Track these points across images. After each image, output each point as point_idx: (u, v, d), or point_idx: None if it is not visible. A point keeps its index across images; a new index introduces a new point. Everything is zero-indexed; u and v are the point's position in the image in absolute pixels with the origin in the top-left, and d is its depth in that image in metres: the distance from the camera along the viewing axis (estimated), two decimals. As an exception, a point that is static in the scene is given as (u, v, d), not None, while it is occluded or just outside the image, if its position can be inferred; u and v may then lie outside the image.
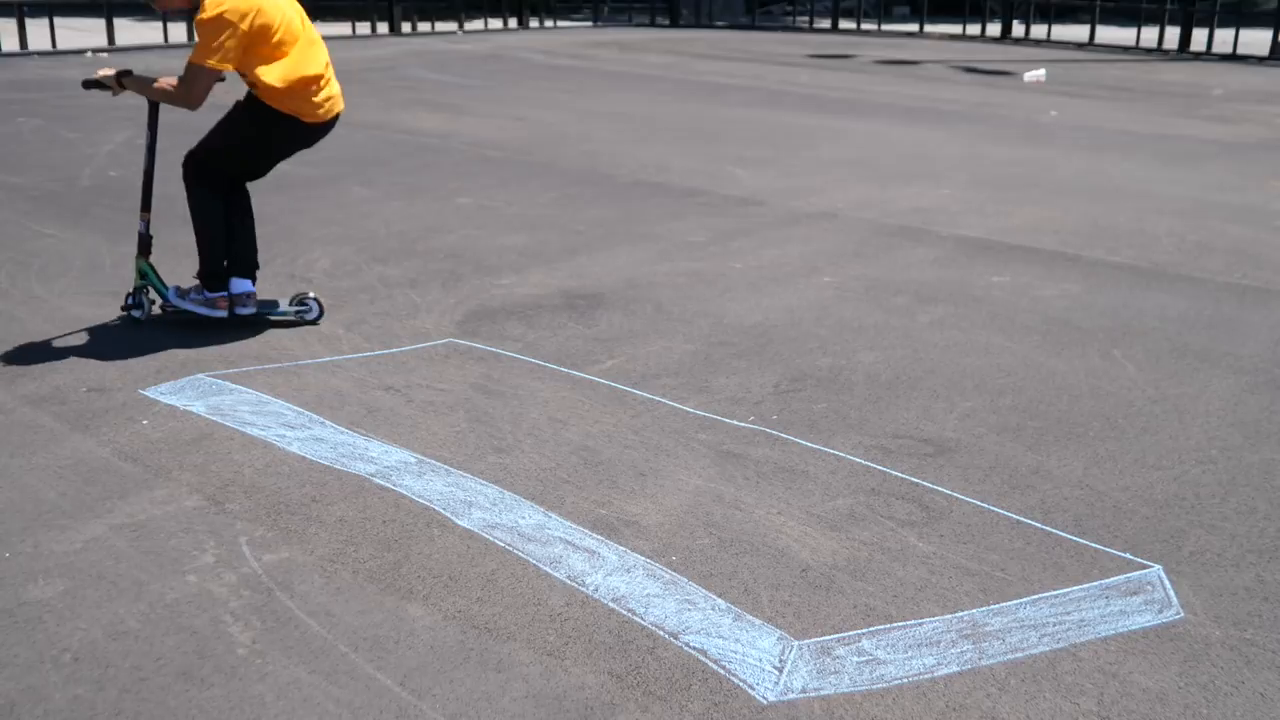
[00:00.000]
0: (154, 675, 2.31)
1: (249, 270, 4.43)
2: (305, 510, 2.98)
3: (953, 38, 19.42)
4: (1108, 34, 18.33)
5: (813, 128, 9.67)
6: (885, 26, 21.09)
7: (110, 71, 4.23)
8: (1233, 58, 16.45)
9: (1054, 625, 2.54)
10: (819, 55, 16.37)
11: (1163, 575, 2.76)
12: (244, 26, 3.95)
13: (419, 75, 12.60)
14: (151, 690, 2.27)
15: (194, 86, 4.07)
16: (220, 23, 3.91)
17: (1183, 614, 2.60)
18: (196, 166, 4.36)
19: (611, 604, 2.59)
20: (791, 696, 2.29)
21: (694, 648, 2.44)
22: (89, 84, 4.24)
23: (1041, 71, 13.79)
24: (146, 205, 4.45)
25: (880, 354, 4.22)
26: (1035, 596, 2.65)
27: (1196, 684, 2.35)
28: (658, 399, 3.78)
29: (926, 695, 2.30)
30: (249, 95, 4.30)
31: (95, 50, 13.76)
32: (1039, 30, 19.34)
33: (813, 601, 2.62)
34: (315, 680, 2.31)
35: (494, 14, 20.01)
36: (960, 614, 2.58)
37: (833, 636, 2.49)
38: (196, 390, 3.75)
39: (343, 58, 14.36)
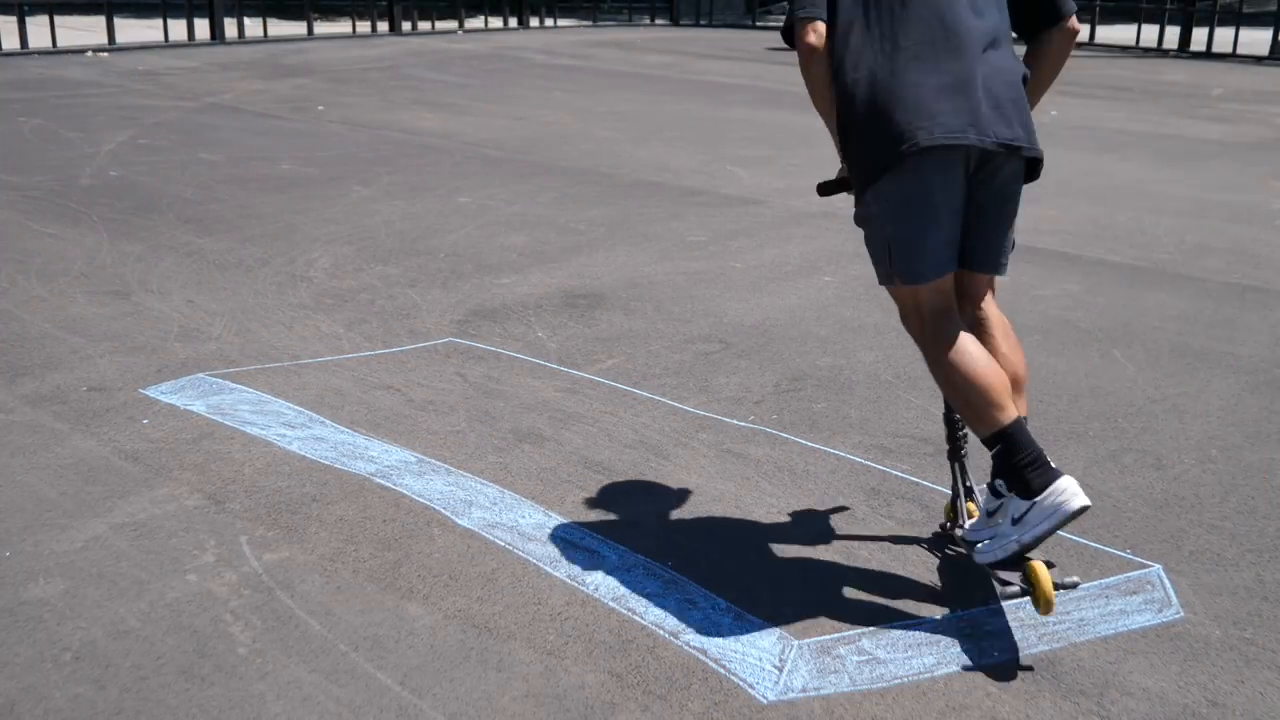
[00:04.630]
0: (154, 674, 2.31)
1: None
2: (305, 509, 2.98)
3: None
4: (1108, 33, 18.32)
5: (812, 127, 9.65)
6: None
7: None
8: (1233, 58, 16.44)
9: (1054, 625, 2.54)
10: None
11: (1163, 575, 2.76)
12: None
13: (419, 75, 12.59)
14: (152, 689, 2.27)
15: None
16: None
17: (1183, 613, 2.60)
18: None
19: (611, 603, 2.59)
20: (791, 696, 2.29)
21: (694, 647, 2.44)
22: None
23: None
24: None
25: (880, 354, 4.22)
26: (1035, 596, 2.65)
27: (1196, 684, 2.35)
28: (658, 399, 3.78)
29: (926, 695, 2.31)
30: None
31: (96, 49, 13.76)
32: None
33: (812, 601, 2.62)
34: (315, 679, 2.31)
35: (494, 13, 20.00)
36: (960, 614, 2.58)
37: (833, 636, 2.49)
38: (197, 390, 3.75)
39: (342, 57, 14.39)
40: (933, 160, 2.44)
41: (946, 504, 2.93)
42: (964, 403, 2.53)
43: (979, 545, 2.58)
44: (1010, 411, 2.48)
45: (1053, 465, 2.47)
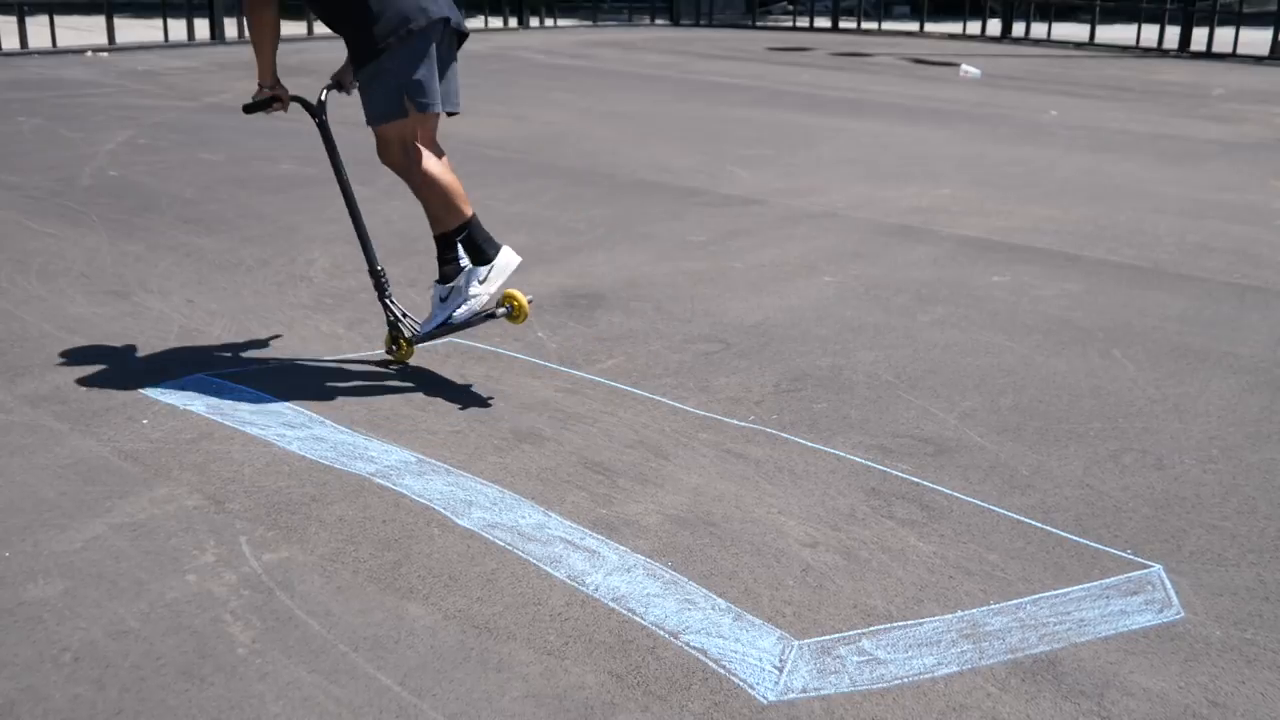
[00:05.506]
0: (154, 674, 2.31)
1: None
2: (305, 509, 2.98)
3: (952, 36, 19.42)
4: (1108, 33, 18.32)
5: (813, 127, 9.67)
6: (885, 25, 21.09)
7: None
8: (1233, 58, 16.45)
9: (1054, 625, 2.54)
10: (807, 52, 16.37)
11: (1163, 575, 2.76)
12: None
13: (419, 75, 12.58)
14: (151, 689, 2.27)
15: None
16: None
17: (1183, 614, 2.60)
18: None
19: (611, 603, 2.59)
20: (792, 696, 2.29)
21: (694, 647, 2.44)
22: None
23: (977, 71, 13.84)
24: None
25: (880, 354, 4.22)
26: (1035, 596, 2.66)
27: (1196, 684, 2.35)
28: (658, 399, 3.78)
29: (926, 695, 2.30)
30: None
31: (95, 49, 13.76)
32: (1039, 29, 19.33)
33: (813, 601, 2.62)
34: (315, 680, 2.31)
35: (494, 13, 20.00)
36: (960, 614, 2.58)
37: (833, 636, 2.49)
38: (196, 389, 3.75)
39: (343, 57, 14.32)
40: (431, 32, 3.59)
41: (386, 338, 3.93)
42: (443, 203, 3.70)
43: (456, 313, 3.73)
44: (469, 207, 3.73)
45: (496, 240, 3.78)
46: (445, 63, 3.72)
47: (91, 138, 8.17)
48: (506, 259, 3.78)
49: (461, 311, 3.73)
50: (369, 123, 3.68)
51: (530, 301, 3.76)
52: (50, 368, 3.91)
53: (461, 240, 3.72)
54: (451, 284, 3.76)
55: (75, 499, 3.02)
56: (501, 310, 3.76)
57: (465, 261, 3.76)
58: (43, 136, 8.25)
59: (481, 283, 3.71)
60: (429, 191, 3.69)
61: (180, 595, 2.59)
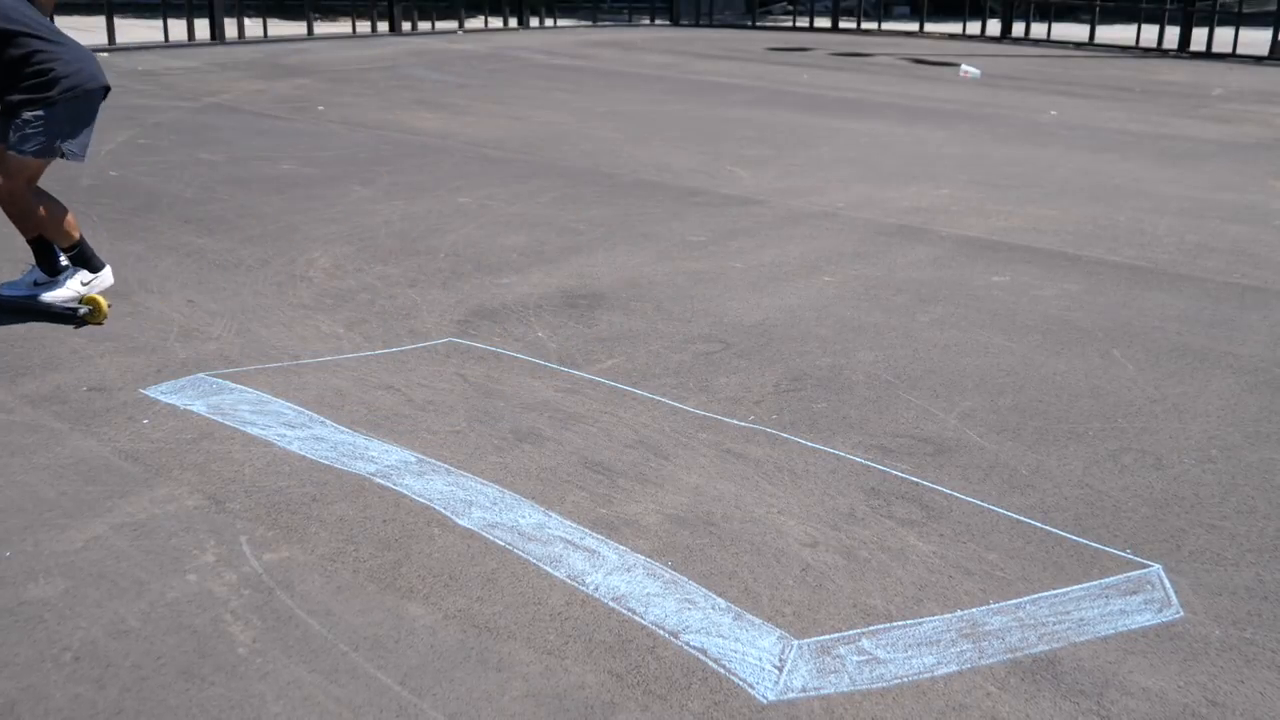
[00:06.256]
0: (154, 674, 2.32)
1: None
2: (306, 509, 2.98)
3: (952, 36, 19.43)
4: (1108, 33, 18.33)
5: (813, 127, 9.68)
6: (885, 25, 21.10)
7: None
8: (1233, 57, 16.46)
9: (1054, 625, 2.54)
10: (807, 52, 16.37)
11: (1162, 574, 2.76)
12: None
13: (419, 75, 12.60)
14: (152, 689, 2.27)
15: None
16: None
17: (1182, 613, 2.60)
18: None
19: (611, 603, 2.59)
20: (791, 696, 2.29)
21: (694, 647, 2.44)
22: None
23: (976, 71, 13.85)
24: None
25: (880, 354, 4.22)
26: (1035, 596, 2.66)
27: (1196, 683, 2.35)
28: (658, 399, 3.78)
29: (926, 694, 2.31)
30: None
31: (95, 49, 13.75)
32: (1039, 29, 19.34)
33: (813, 601, 2.62)
34: (315, 679, 2.31)
35: (494, 13, 20.01)
36: (960, 613, 2.59)
37: (833, 636, 2.49)
38: (197, 389, 3.76)
39: (342, 57, 14.37)
40: (98, 95, 4.28)
41: None
42: (60, 228, 4.33)
43: (46, 295, 4.37)
44: (77, 231, 4.42)
45: (100, 259, 4.52)
46: (92, 121, 4.37)
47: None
48: (108, 276, 4.51)
49: (52, 296, 4.39)
50: (19, 152, 4.11)
51: (110, 306, 4.36)
52: (50, 368, 3.91)
53: (72, 256, 4.42)
54: (53, 277, 4.45)
55: (76, 499, 3.02)
56: (84, 309, 4.34)
57: (65, 261, 4.46)
58: (43, 136, 8.23)
59: (84, 285, 4.43)
60: (49, 218, 4.30)
61: (181, 595, 2.59)
